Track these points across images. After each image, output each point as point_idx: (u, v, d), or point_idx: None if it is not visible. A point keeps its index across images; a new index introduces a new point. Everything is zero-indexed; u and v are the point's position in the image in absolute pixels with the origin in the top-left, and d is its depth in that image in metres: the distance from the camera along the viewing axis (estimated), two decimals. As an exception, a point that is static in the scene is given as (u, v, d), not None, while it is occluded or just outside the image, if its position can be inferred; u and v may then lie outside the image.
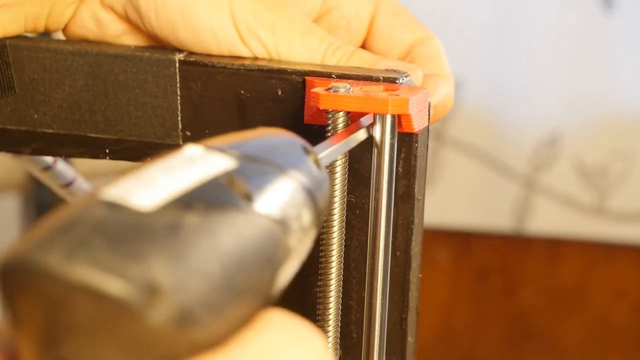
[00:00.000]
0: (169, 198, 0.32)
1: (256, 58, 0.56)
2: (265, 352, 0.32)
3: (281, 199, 0.34)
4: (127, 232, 0.30)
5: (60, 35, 0.59)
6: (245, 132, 0.37)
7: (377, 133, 0.50)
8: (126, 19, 0.56)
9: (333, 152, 0.46)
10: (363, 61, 0.56)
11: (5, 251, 0.31)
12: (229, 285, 0.31)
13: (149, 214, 0.31)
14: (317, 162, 0.37)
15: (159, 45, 0.57)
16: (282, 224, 0.33)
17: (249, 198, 0.33)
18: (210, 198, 0.32)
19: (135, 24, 0.57)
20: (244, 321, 0.33)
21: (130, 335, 0.30)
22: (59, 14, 0.57)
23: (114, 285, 0.30)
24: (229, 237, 0.32)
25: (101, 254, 0.30)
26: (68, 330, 0.30)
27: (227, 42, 0.55)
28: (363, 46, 0.61)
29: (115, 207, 0.31)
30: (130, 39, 0.58)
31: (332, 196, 0.50)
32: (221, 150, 0.34)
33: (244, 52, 0.55)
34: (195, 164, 0.33)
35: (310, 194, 0.35)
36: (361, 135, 0.49)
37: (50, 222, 0.31)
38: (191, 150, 0.34)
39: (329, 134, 0.50)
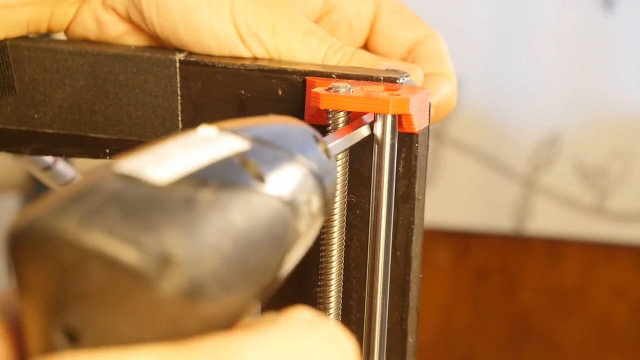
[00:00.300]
0: (183, 174, 0.32)
1: (256, 58, 0.56)
2: (291, 348, 0.32)
3: (292, 183, 0.34)
4: (142, 203, 0.31)
5: (60, 35, 0.59)
6: (257, 118, 0.37)
7: (377, 133, 0.50)
8: (128, 19, 0.56)
9: (339, 144, 0.47)
10: (363, 62, 0.56)
11: (16, 217, 0.31)
12: (240, 262, 0.32)
13: (163, 187, 0.31)
14: (326, 152, 0.37)
15: (160, 46, 0.57)
16: (293, 207, 0.34)
17: (261, 179, 0.33)
18: (223, 176, 0.32)
19: (136, 24, 0.57)
20: (251, 302, 0.33)
21: (140, 305, 0.30)
22: (61, 15, 0.57)
23: (127, 253, 0.30)
24: (241, 215, 0.32)
25: (116, 222, 0.30)
26: (77, 298, 0.30)
27: (228, 42, 0.55)
28: (365, 46, 0.61)
29: (130, 180, 0.31)
30: (132, 39, 0.58)
31: (334, 199, 0.50)
32: (235, 132, 0.35)
33: (245, 52, 0.55)
34: (209, 143, 0.34)
35: (320, 181, 0.36)
36: (364, 131, 0.49)
37: (64, 191, 0.31)
38: (205, 130, 0.35)
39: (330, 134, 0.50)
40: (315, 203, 0.35)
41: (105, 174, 0.31)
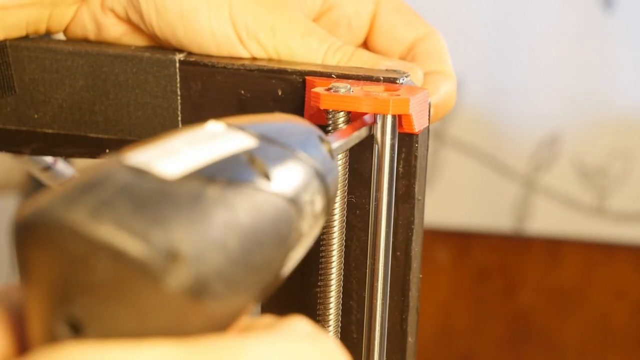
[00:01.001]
0: (192, 169, 0.32)
1: (255, 58, 0.56)
2: (290, 356, 0.32)
3: (297, 182, 0.35)
4: (151, 197, 0.31)
5: (60, 36, 0.59)
6: (263, 115, 0.37)
7: (377, 133, 0.50)
8: (127, 20, 0.56)
9: (339, 144, 0.47)
10: (363, 61, 0.56)
11: (24, 206, 0.31)
12: (245, 260, 0.32)
13: (172, 182, 0.31)
14: (330, 152, 0.37)
15: (160, 46, 0.57)
16: (297, 206, 0.34)
17: (267, 177, 0.33)
18: (231, 173, 0.33)
19: (135, 26, 0.57)
20: (253, 301, 0.33)
21: (145, 299, 0.30)
22: (60, 16, 0.57)
23: (135, 247, 0.30)
24: (247, 212, 0.32)
25: (125, 215, 0.30)
26: (83, 289, 0.30)
27: (227, 43, 0.55)
28: (365, 44, 0.61)
29: (139, 173, 0.31)
30: (131, 40, 0.58)
31: (335, 199, 0.50)
32: (242, 128, 0.35)
33: (244, 53, 0.55)
34: (217, 139, 0.34)
35: (324, 182, 0.36)
36: (363, 131, 0.49)
37: (73, 182, 0.31)
38: (213, 126, 0.35)
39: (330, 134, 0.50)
40: (319, 204, 0.35)
41: (114, 166, 0.31)
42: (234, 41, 0.55)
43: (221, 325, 0.32)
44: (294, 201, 0.34)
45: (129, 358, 0.30)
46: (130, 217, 0.30)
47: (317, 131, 0.38)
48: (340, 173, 0.51)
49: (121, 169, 0.31)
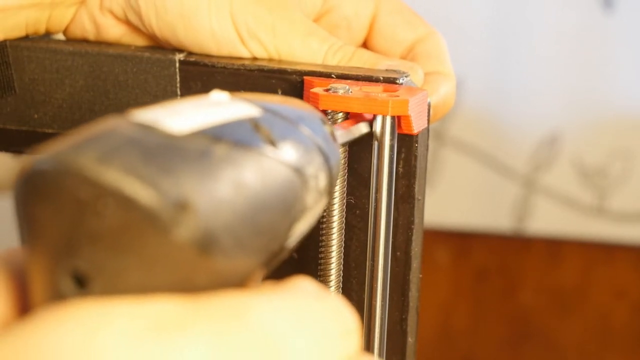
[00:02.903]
0: (198, 128, 0.32)
1: (256, 58, 0.56)
2: (297, 312, 0.32)
3: (302, 154, 0.34)
4: (160, 148, 0.30)
5: (60, 36, 0.59)
6: (267, 95, 0.37)
7: (376, 134, 0.50)
8: (125, 21, 0.56)
9: (338, 135, 0.47)
10: (364, 61, 0.56)
11: (27, 162, 0.31)
12: (251, 221, 0.31)
13: (180, 137, 0.31)
14: (332, 134, 0.37)
15: (159, 46, 0.57)
16: (302, 177, 0.34)
17: (273, 144, 0.33)
18: (237, 136, 0.32)
19: (135, 27, 0.57)
20: (258, 267, 0.33)
21: (153, 250, 0.30)
22: (59, 16, 0.57)
23: (145, 194, 0.29)
24: (254, 174, 0.32)
25: (135, 162, 0.30)
26: (90, 239, 0.30)
27: (228, 43, 0.55)
28: (365, 45, 0.61)
29: (147, 128, 0.31)
30: (130, 41, 0.58)
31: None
32: (246, 100, 0.35)
33: (245, 53, 0.55)
34: (222, 106, 0.34)
35: (327, 160, 0.36)
36: (362, 129, 0.49)
37: (80, 133, 0.31)
38: (218, 95, 0.35)
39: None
40: (322, 180, 0.35)
41: (120, 122, 0.31)
42: (234, 41, 0.55)
43: (228, 284, 0.31)
44: (299, 171, 0.34)
45: (135, 314, 0.29)
46: (140, 164, 0.30)
47: (319, 113, 0.38)
48: (339, 173, 0.51)
49: (128, 124, 0.31)
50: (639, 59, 1.64)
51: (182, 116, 0.32)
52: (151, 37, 0.57)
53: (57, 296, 0.30)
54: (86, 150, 0.30)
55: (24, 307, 0.32)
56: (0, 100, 0.56)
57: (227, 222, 0.31)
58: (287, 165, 0.33)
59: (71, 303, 0.30)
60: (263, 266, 0.33)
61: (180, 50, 0.55)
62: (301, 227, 0.35)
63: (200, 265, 0.30)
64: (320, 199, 0.35)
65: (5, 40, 0.56)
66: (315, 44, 0.55)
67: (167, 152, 0.30)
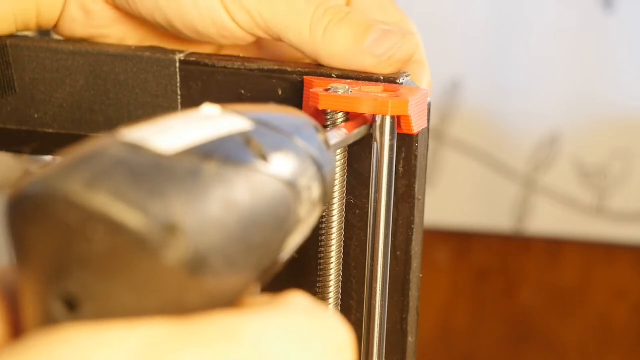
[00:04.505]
0: (188, 146, 0.31)
1: (256, 59, 0.56)
2: (289, 331, 0.31)
3: (295, 167, 0.34)
4: (148, 170, 0.30)
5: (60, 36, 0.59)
6: (259, 105, 0.37)
7: (376, 133, 0.50)
8: (113, 4, 0.56)
9: (337, 139, 0.47)
10: (356, 24, 0.54)
11: (18, 182, 0.31)
12: (243, 238, 0.31)
13: (169, 157, 0.31)
14: (326, 142, 0.37)
15: (150, 30, 0.57)
16: (295, 190, 0.34)
17: (264, 159, 0.33)
18: (228, 152, 0.32)
19: (122, 10, 0.56)
20: (251, 283, 0.32)
21: (143, 273, 0.30)
22: (49, 8, 0.56)
23: (133, 218, 0.29)
24: (245, 191, 0.32)
25: (122, 185, 0.29)
26: (79, 263, 0.30)
27: (210, 11, 0.54)
28: None
29: (135, 148, 0.31)
30: (121, 29, 0.57)
31: (333, 191, 0.50)
32: (238, 112, 0.34)
33: (227, 20, 0.54)
34: (213, 120, 0.33)
35: (320, 170, 0.36)
36: (362, 130, 0.49)
37: (67, 157, 0.31)
38: (209, 109, 0.34)
39: (329, 134, 0.50)
40: (316, 190, 0.35)
41: (109, 142, 0.31)
42: (217, 7, 0.54)
43: (220, 303, 0.31)
44: (292, 185, 0.34)
45: (126, 339, 0.29)
46: (128, 187, 0.29)
47: (313, 121, 0.38)
48: (339, 173, 0.51)
49: (116, 144, 0.31)
50: (639, 58, 1.64)
51: (171, 134, 0.32)
52: (138, 19, 0.56)
53: (48, 320, 0.30)
54: (73, 175, 0.30)
55: (17, 327, 0.32)
56: (0, 100, 0.56)
57: (217, 242, 0.30)
58: (279, 179, 0.33)
59: (62, 328, 0.30)
60: (256, 281, 0.33)
61: (181, 50, 0.55)
62: (295, 240, 0.34)
63: (191, 287, 0.30)
64: (314, 210, 0.35)
65: (5, 40, 0.56)
66: (301, 3, 0.53)
67: (155, 173, 0.30)
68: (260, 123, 0.34)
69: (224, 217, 0.31)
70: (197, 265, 0.30)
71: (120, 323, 0.30)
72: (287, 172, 0.34)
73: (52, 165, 0.31)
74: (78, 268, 0.30)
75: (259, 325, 0.31)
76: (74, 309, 0.30)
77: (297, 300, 0.33)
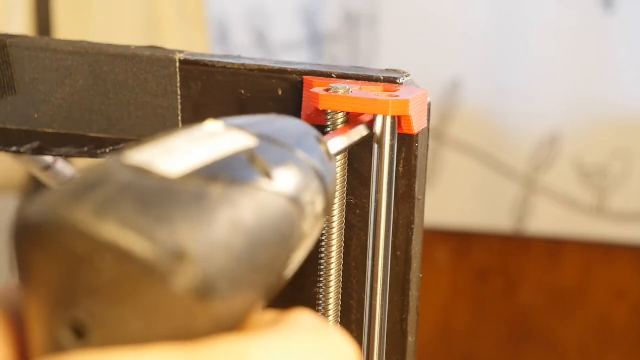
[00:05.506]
0: (193, 168, 0.31)
1: (256, 59, 0.55)
2: (297, 354, 0.31)
3: (299, 182, 0.34)
4: (154, 196, 0.30)
5: (60, 36, 0.59)
6: (260, 116, 0.37)
7: (377, 134, 0.50)
8: None
9: (338, 144, 0.47)
10: None
11: (23, 206, 0.30)
12: (249, 260, 0.31)
13: (174, 180, 0.31)
14: (328, 153, 0.37)
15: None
16: (299, 206, 0.34)
17: (269, 176, 0.33)
18: (233, 172, 0.32)
19: None
20: (258, 302, 0.32)
21: (151, 301, 0.30)
22: None
23: (141, 246, 0.29)
24: (251, 212, 0.32)
25: (130, 214, 0.29)
26: (87, 291, 0.30)
27: None
28: None
29: (140, 172, 0.31)
30: None
31: (334, 201, 0.50)
32: (241, 128, 0.34)
33: None
34: (217, 138, 0.33)
35: (323, 182, 0.36)
36: (363, 132, 0.49)
37: (73, 182, 0.30)
38: (212, 126, 0.34)
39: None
40: (319, 204, 0.35)
41: (115, 165, 0.31)
42: None
43: (227, 325, 0.31)
44: (296, 201, 0.34)
45: None
46: (135, 215, 0.29)
47: (314, 132, 0.38)
48: (339, 173, 0.51)
49: (122, 168, 0.31)
50: (639, 58, 1.64)
51: (176, 155, 0.32)
52: None
53: (55, 347, 0.30)
54: (81, 202, 0.29)
55: (22, 348, 0.32)
56: (0, 100, 0.56)
57: (224, 265, 0.30)
58: (283, 196, 0.33)
59: (70, 355, 0.29)
60: (262, 300, 0.33)
61: (181, 50, 0.55)
62: (299, 255, 0.34)
63: (199, 312, 0.30)
64: (318, 223, 0.35)
65: (6, 40, 0.56)
66: None
67: (162, 198, 0.30)
68: (263, 138, 0.34)
69: (231, 239, 0.31)
70: (205, 291, 0.30)
71: (129, 350, 0.30)
72: (291, 188, 0.34)
73: (58, 189, 0.30)
74: (86, 296, 0.30)
75: (264, 347, 0.31)
76: (82, 336, 0.30)
77: (303, 318, 0.33)
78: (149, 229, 0.29)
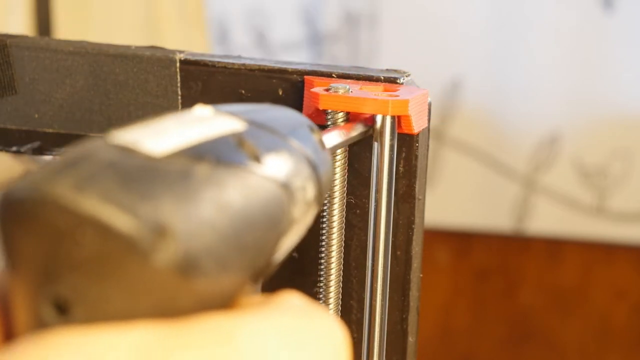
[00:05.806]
0: (180, 147, 0.31)
1: (257, 59, 0.55)
2: (284, 332, 0.31)
3: (288, 167, 0.34)
4: (139, 172, 0.30)
5: (60, 36, 0.59)
6: (253, 104, 0.37)
7: (376, 133, 0.50)
8: None
9: (335, 139, 0.47)
10: None
11: (9, 184, 0.30)
12: (235, 240, 0.31)
13: (160, 159, 0.31)
14: (321, 142, 0.37)
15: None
16: (288, 191, 0.34)
17: (257, 160, 0.33)
18: (220, 154, 0.32)
19: None
20: (245, 283, 0.32)
21: (133, 275, 0.29)
22: None
23: (123, 221, 0.29)
24: (237, 193, 0.32)
25: (112, 189, 0.29)
26: (69, 266, 0.30)
27: None
28: None
29: (126, 150, 0.31)
30: None
31: (332, 188, 0.50)
32: (231, 113, 0.34)
33: None
34: (205, 122, 0.33)
35: (315, 170, 0.35)
36: (362, 130, 0.49)
37: (57, 160, 0.31)
38: (201, 110, 0.34)
39: (330, 134, 0.50)
40: (310, 191, 0.35)
41: (100, 145, 0.31)
42: None
43: (214, 304, 0.31)
44: (285, 186, 0.33)
45: (117, 342, 0.29)
46: (117, 190, 0.29)
47: (307, 121, 0.38)
48: (339, 172, 0.51)
49: (107, 147, 0.31)
50: (639, 58, 1.64)
51: (163, 136, 0.32)
52: None
53: (39, 324, 0.30)
54: (63, 178, 0.30)
55: (9, 331, 0.32)
56: (0, 100, 0.56)
57: (208, 243, 0.30)
58: (272, 180, 0.33)
59: (52, 332, 0.29)
60: (250, 282, 0.33)
61: (181, 50, 0.55)
62: (290, 240, 0.34)
63: (183, 289, 0.30)
64: (309, 210, 0.35)
65: (6, 40, 0.56)
66: None
67: (146, 175, 0.30)
68: (253, 124, 0.34)
69: (216, 219, 0.31)
70: (187, 268, 0.30)
71: (112, 326, 0.29)
72: (280, 173, 0.33)
73: (42, 167, 0.30)
74: (68, 271, 0.30)
75: (252, 326, 0.30)
76: (64, 312, 0.30)
77: (291, 300, 0.33)
78: (131, 204, 0.29)
